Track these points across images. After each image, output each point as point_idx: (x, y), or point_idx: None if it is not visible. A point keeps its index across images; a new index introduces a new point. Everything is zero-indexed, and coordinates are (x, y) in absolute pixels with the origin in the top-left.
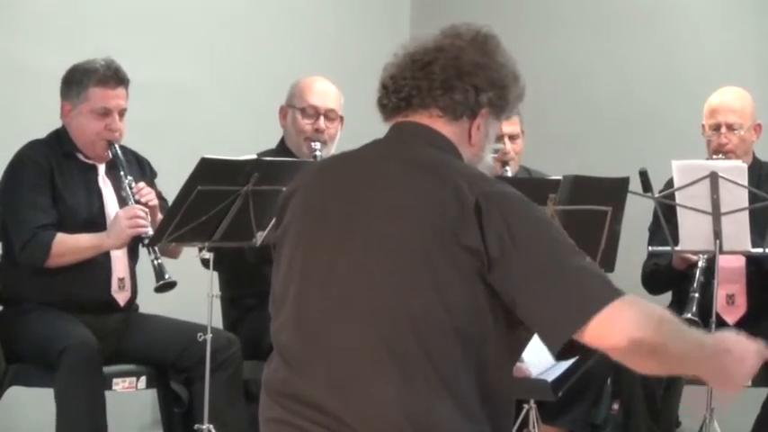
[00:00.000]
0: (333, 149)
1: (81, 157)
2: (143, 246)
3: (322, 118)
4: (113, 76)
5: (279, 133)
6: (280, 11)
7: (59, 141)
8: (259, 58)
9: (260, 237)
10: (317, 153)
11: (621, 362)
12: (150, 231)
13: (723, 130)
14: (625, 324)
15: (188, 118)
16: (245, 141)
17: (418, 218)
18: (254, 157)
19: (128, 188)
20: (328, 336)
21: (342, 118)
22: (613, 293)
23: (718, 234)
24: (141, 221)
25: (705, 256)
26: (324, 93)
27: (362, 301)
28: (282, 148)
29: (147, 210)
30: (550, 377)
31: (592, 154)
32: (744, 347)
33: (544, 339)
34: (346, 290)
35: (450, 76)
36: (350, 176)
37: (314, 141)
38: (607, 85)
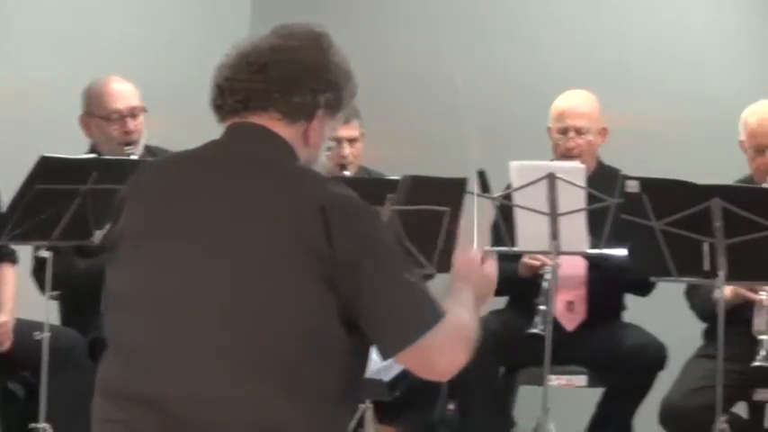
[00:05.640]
0: (142, 142)
1: None
2: None
3: (128, 119)
4: None
5: None
6: (122, 5)
7: None
8: (100, 54)
9: (98, 236)
10: (133, 157)
11: (421, 375)
12: None
13: (571, 134)
14: (449, 353)
15: (30, 117)
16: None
17: (264, 221)
18: (94, 155)
19: None
20: (173, 338)
21: (144, 108)
22: (438, 314)
23: (555, 235)
24: None
25: (550, 267)
26: (121, 93)
27: (207, 303)
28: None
29: None
30: (387, 377)
31: (433, 153)
32: (481, 280)
33: (378, 348)
34: (191, 292)
35: (287, 79)
36: (192, 177)
37: (126, 145)
38: (449, 85)
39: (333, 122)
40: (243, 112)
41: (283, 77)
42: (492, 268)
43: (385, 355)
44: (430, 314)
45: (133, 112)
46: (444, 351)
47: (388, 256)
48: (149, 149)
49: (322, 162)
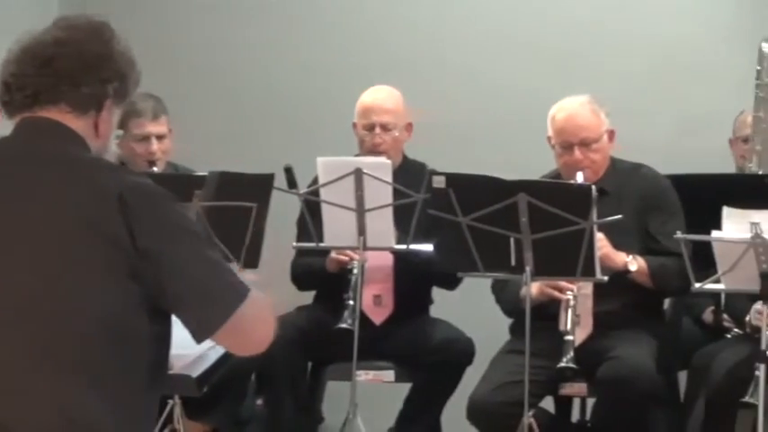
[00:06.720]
0: None
1: None
2: None
3: None
4: None
5: None
6: None
7: None
8: None
9: None
10: None
11: (238, 352)
12: None
13: (377, 130)
14: (261, 324)
15: None
16: None
17: (59, 215)
18: None
19: None
20: None
21: None
22: (246, 288)
23: (362, 230)
24: None
25: (357, 262)
26: None
27: (7, 301)
28: None
29: None
30: (195, 372)
31: (242, 150)
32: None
33: (195, 331)
34: None
35: (75, 71)
36: None
37: None
38: (257, 81)
39: (119, 111)
40: (32, 107)
41: (70, 70)
42: None
43: (203, 335)
44: (238, 289)
45: None
46: (257, 323)
47: (190, 238)
48: None
49: (113, 151)
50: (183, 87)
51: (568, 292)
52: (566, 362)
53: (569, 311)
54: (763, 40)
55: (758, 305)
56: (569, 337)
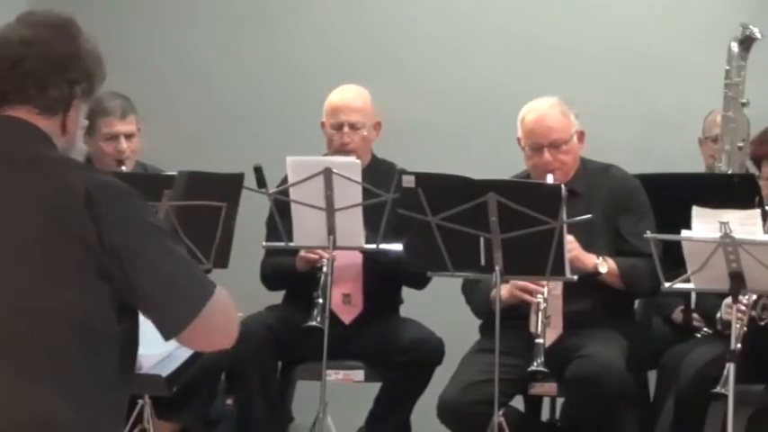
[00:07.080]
0: None
1: None
2: None
3: None
4: None
5: None
6: None
7: None
8: None
9: None
10: None
11: (204, 348)
12: None
13: (345, 129)
14: (228, 320)
15: None
16: None
17: (25, 215)
18: None
19: None
20: None
21: None
22: (213, 284)
23: (332, 230)
24: None
25: (326, 260)
26: None
27: None
28: None
29: None
30: (165, 372)
31: (211, 150)
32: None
33: (164, 327)
34: None
35: (43, 74)
36: None
37: None
38: (226, 81)
39: (86, 107)
40: (1, 107)
41: (38, 73)
42: None
43: (172, 332)
44: (205, 285)
45: None
46: (224, 319)
47: (157, 235)
48: None
49: (80, 148)
50: (151, 87)
51: (538, 296)
52: (536, 366)
53: (539, 314)
54: (733, 39)
55: (729, 300)
56: (539, 341)
